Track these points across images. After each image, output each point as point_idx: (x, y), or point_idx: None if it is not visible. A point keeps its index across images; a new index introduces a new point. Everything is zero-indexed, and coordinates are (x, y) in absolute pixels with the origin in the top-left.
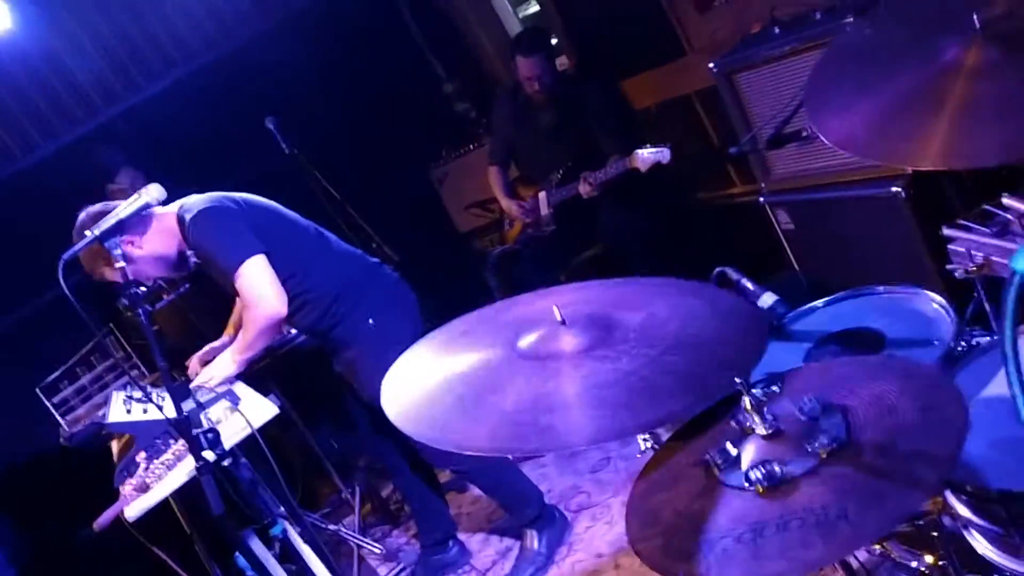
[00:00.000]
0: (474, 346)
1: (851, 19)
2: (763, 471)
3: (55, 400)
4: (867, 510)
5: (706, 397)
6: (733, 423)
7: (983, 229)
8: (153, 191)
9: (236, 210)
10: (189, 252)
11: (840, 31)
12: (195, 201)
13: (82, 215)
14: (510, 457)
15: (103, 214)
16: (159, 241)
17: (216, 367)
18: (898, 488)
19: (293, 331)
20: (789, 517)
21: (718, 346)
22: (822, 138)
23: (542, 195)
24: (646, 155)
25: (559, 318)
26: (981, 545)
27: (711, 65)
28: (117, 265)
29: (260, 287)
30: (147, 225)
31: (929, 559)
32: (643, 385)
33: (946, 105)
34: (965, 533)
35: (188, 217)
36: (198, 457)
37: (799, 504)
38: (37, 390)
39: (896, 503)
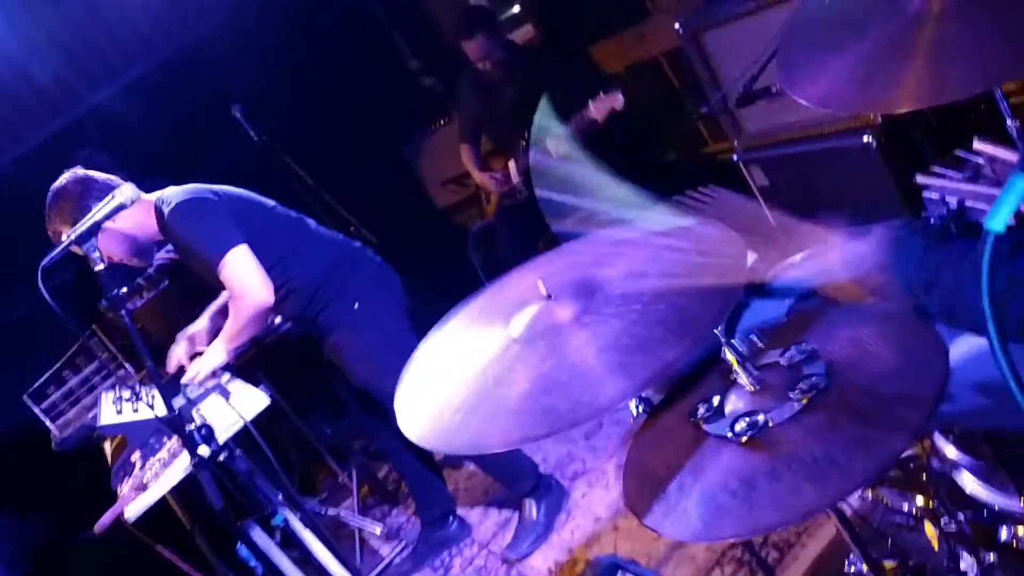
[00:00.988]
0: (472, 344)
1: None
2: (747, 421)
3: (43, 406)
4: (855, 455)
5: (698, 338)
6: (718, 377)
7: (956, 175)
8: (127, 191)
9: (215, 200)
10: (162, 245)
11: None
12: (174, 193)
13: (61, 183)
14: None
15: (83, 185)
16: (132, 221)
17: (208, 359)
18: (884, 431)
19: (278, 320)
20: (780, 468)
21: (700, 280)
22: (801, 102)
23: (511, 164)
24: (599, 102)
25: (544, 293)
26: (970, 484)
27: (676, 25)
28: (96, 268)
29: (246, 277)
30: None
31: (920, 501)
32: (635, 342)
33: (916, 51)
34: (954, 474)
35: (167, 210)
36: (194, 453)
37: (788, 454)
38: (25, 397)
39: (883, 446)
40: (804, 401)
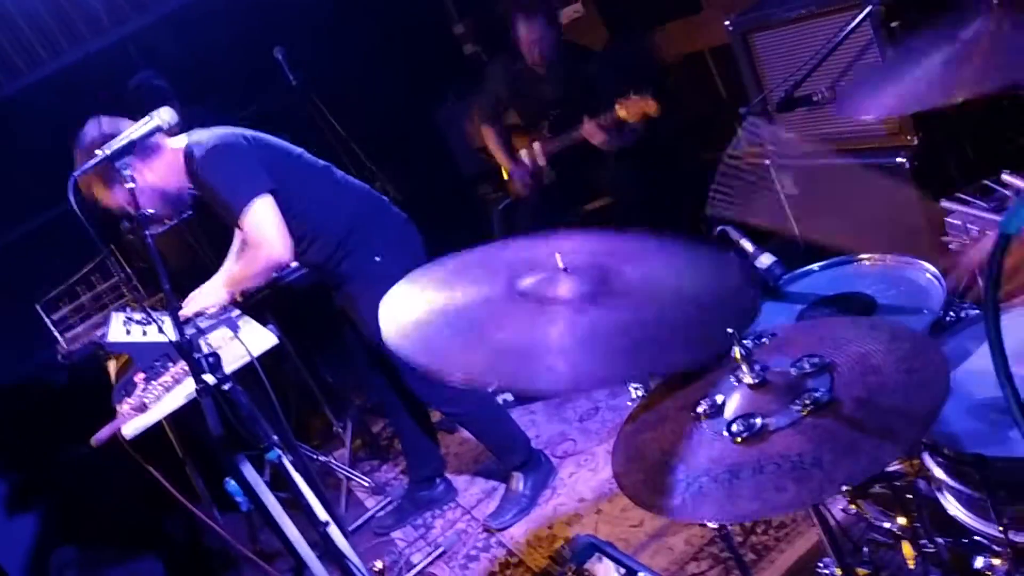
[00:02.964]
0: (474, 280)
1: None
2: (743, 424)
3: (54, 317)
4: (841, 460)
5: (706, 351)
6: (723, 372)
7: (981, 203)
8: (165, 114)
9: (247, 146)
10: (190, 189)
11: None
12: (206, 136)
13: (90, 129)
14: (501, 402)
15: (110, 134)
16: (160, 174)
17: (204, 296)
18: (873, 442)
19: (294, 264)
20: (766, 462)
21: (716, 305)
22: (855, 117)
23: (536, 145)
24: (628, 103)
25: (561, 264)
26: (952, 506)
27: (727, 23)
28: (126, 185)
29: (266, 229)
30: (152, 156)
31: (902, 520)
32: (644, 336)
33: (971, 62)
34: (939, 495)
35: (198, 152)
36: (199, 380)
37: (776, 450)
38: (37, 306)
39: (870, 455)
40: (804, 414)
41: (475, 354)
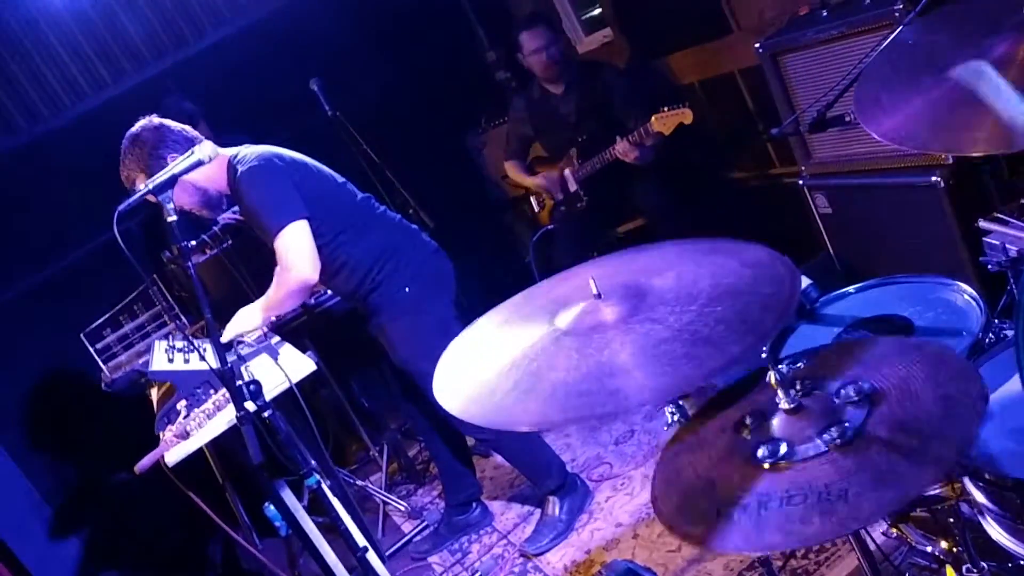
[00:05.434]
0: (518, 332)
1: (900, 6)
2: (768, 449)
3: (98, 346)
4: (868, 493)
5: (762, 337)
6: (768, 395)
7: (1019, 223)
8: (207, 149)
9: (284, 168)
10: (232, 202)
11: (889, 17)
12: (249, 154)
13: (137, 130)
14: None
15: (158, 134)
16: (205, 175)
17: (241, 320)
18: (902, 477)
19: (324, 290)
20: (794, 492)
21: (754, 291)
22: (872, 134)
23: (567, 172)
24: (663, 116)
25: (595, 291)
26: (995, 531)
27: (757, 45)
28: (169, 219)
29: (297, 252)
30: None
31: (944, 545)
32: (697, 337)
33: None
34: (981, 520)
35: (240, 169)
36: (240, 407)
37: (805, 479)
38: (81, 335)
39: (897, 491)
40: (829, 448)
41: (541, 400)
